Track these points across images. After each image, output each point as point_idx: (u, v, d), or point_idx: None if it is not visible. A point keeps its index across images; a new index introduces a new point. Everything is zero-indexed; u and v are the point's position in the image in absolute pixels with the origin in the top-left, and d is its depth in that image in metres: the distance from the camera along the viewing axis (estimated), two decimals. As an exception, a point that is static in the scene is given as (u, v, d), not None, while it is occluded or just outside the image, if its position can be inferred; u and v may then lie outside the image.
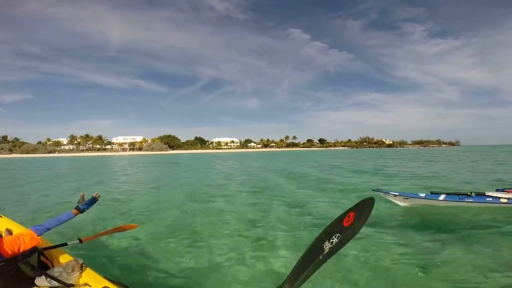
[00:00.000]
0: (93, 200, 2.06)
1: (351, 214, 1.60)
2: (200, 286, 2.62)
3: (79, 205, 2.00)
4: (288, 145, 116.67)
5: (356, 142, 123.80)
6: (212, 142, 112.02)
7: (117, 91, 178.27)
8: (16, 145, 78.38)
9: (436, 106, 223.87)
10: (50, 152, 77.80)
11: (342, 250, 1.82)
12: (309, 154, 51.06)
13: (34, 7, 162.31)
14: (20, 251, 1.61)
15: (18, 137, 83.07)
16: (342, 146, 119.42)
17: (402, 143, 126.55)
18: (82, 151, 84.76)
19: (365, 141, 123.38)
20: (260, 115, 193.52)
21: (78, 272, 1.69)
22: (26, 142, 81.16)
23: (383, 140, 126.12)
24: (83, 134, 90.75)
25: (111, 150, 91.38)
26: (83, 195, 2.06)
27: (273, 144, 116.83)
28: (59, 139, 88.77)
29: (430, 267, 2.88)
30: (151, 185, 10.24)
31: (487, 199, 5.03)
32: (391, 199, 5.55)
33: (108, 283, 1.64)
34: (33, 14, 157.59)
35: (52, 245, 1.97)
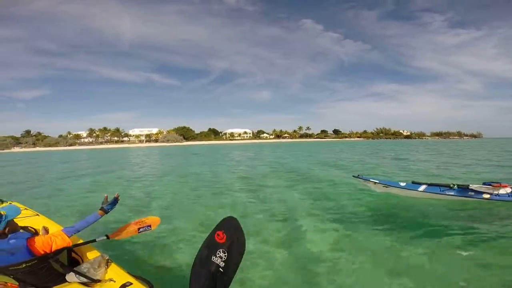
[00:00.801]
0: (115, 201, 2.20)
1: (219, 232, 1.53)
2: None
3: (103, 206, 2.13)
4: (301, 136, 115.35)
5: (372, 133, 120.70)
6: (225, 133, 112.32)
7: (132, 85, 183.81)
8: (39, 138, 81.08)
9: (456, 97, 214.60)
10: (71, 145, 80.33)
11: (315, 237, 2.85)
12: (325, 145, 50.72)
13: (46, 4, 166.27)
14: (52, 251, 1.72)
15: (41, 131, 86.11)
16: (358, 137, 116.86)
17: (420, 135, 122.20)
18: (101, 143, 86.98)
19: (382, 132, 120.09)
20: (272, 107, 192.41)
21: (104, 267, 1.79)
22: (48, 136, 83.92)
23: (401, 131, 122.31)
24: (101, 127, 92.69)
25: (129, 142, 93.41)
26: (107, 196, 2.20)
27: (286, 135, 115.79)
28: (79, 132, 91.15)
29: (390, 261, 2.96)
30: (179, 178, 10.04)
31: (469, 193, 4.84)
32: (370, 186, 5.53)
33: (131, 278, 1.72)
34: (47, 12, 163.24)
35: (82, 241, 2.09)
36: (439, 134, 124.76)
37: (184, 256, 3.14)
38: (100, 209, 2.13)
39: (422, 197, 5.14)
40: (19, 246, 1.65)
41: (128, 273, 1.81)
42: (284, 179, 8.76)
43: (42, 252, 1.69)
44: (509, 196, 4.61)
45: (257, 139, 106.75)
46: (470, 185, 4.95)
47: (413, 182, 5.37)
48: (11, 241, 1.67)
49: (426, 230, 3.78)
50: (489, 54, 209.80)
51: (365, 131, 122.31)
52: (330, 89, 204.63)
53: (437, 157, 17.32)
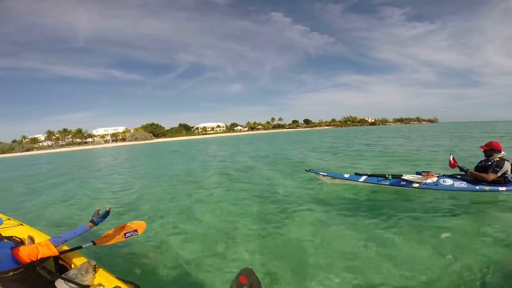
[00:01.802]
0: (107, 214, 2.30)
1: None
2: (212, 284, 2.66)
3: (94, 218, 2.23)
4: (274, 127, 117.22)
5: (340, 121, 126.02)
6: (197, 128, 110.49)
7: (91, 83, 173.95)
8: None
9: (413, 86, 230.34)
10: (27, 150, 73.74)
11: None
12: (300, 134, 51.28)
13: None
14: (37, 259, 1.72)
15: None
16: (327, 125, 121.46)
17: (383, 121, 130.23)
18: (62, 146, 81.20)
19: (349, 120, 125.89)
20: (244, 99, 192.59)
21: (92, 273, 1.80)
22: (0, 142, 76.75)
23: (366, 118, 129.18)
24: (60, 129, 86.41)
25: (93, 143, 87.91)
26: (99, 210, 2.31)
27: (259, 127, 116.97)
28: (36, 136, 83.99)
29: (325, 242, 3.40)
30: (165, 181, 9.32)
31: (402, 182, 5.28)
32: (320, 178, 6.07)
33: (120, 283, 1.75)
34: None
35: (68, 248, 2.12)
36: (400, 120, 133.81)
37: (172, 258, 3.17)
38: (90, 221, 2.18)
39: (363, 186, 5.61)
40: (3, 255, 1.64)
41: (117, 277, 1.83)
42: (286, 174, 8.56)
43: (28, 261, 1.68)
44: (434, 184, 5.02)
45: (231, 132, 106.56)
46: (404, 175, 5.33)
47: (355, 174, 5.77)
48: None
49: (357, 213, 4.43)
50: (441, 46, 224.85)
51: (333, 120, 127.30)
52: (298, 80, 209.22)
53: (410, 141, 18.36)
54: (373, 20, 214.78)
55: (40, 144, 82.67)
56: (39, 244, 1.82)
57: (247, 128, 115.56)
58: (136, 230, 2.40)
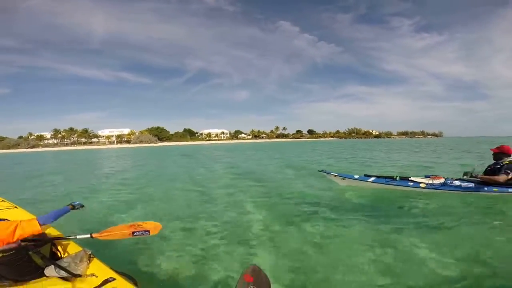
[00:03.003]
0: (81, 206, 2.30)
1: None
2: (207, 280, 2.61)
3: (73, 202, 2.26)
4: (278, 136, 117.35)
5: (344, 133, 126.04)
6: (202, 134, 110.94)
7: (102, 84, 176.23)
8: None
9: (421, 98, 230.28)
10: (33, 146, 74.46)
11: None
12: (306, 145, 50.36)
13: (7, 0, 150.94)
14: (17, 237, 1.65)
15: None
16: (331, 137, 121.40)
17: (388, 134, 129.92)
18: (67, 145, 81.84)
19: (353, 132, 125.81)
20: (248, 107, 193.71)
21: (86, 262, 1.75)
22: (6, 137, 77.16)
23: (370, 131, 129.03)
24: (67, 128, 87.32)
25: (98, 143, 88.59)
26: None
27: (263, 135, 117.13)
28: (42, 133, 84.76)
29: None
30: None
31: (409, 183, 5.39)
32: (332, 179, 6.26)
33: (114, 274, 1.69)
34: (6, 8, 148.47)
35: (62, 236, 2.07)
36: (405, 134, 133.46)
37: (170, 254, 3.11)
38: (70, 204, 2.22)
39: (370, 187, 5.73)
40: None
41: (112, 268, 1.77)
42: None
43: (12, 237, 1.63)
44: (441, 185, 5.11)
45: (234, 140, 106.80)
46: (411, 177, 5.51)
47: (365, 175, 5.96)
48: None
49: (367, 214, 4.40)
50: (450, 58, 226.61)
51: (337, 131, 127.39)
52: (304, 90, 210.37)
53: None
54: (382, 31, 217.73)
55: (46, 141, 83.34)
56: (21, 220, 1.75)
57: (250, 136, 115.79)
58: (148, 231, 2.11)
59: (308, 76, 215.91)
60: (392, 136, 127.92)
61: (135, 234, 2.07)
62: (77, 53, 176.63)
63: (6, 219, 2.16)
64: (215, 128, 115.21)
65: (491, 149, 5.14)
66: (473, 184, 4.95)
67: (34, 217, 2.28)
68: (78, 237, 2.00)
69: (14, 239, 1.64)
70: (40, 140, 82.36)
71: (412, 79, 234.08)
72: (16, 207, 2.76)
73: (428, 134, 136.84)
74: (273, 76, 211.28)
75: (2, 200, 2.94)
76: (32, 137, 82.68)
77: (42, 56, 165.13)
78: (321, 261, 2.91)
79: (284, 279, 2.57)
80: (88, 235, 2.01)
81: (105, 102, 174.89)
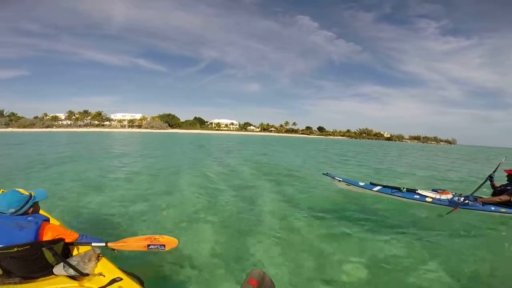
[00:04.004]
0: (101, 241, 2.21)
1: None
2: (212, 281, 2.67)
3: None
4: (287, 131, 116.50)
5: (355, 132, 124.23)
6: (211, 123, 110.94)
7: (117, 69, 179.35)
8: (12, 119, 75.30)
9: (436, 103, 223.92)
10: (47, 126, 75.64)
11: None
12: (318, 142, 50.51)
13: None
14: (51, 240, 1.72)
15: (15, 112, 79.90)
16: (341, 135, 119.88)
17: (400, 137, 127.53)
18: (80, 126, 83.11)
19: (364, 133, 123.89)
20: (260, 100, 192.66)
21: (95, 261, 1.79)
22: (23, 117, 78.41)
23: (382, 132, 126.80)
24: (81, 110, 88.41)
25: (110, 126, 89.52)
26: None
27: (272, 129, 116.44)
28: (57, 114, 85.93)
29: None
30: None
31: (415, 196, 5.29)
32: (336, 183, 6.19)
33: (121, 274, 1.72)
34: None
35: (79, 239, 2.06)
36: (417, 138, 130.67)
37: (177, 256, 3.13)
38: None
39: (375, 196, 5.67)
40: (32, 223, 1.67)
41: (119, 268, 1.80)
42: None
43: (46, 238, 1.70)
44: (448, 201, 4.99)
45: (243, 131, 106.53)
46: (418, 190, 5.39)
47: (370, 183, 5.89)
48: (29, 218, 1.72)
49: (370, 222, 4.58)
50: (474, 63, 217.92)
51: (348, 130, 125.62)
52: (317, 86, 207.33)
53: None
54: (405, 32, 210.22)
55: (60, 122, 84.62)
56: (65, 229, 1.84)
57: (259, 129, 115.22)
58: (163, 245, 2.11)
59: (322, 72, 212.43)
60: (404, 140, 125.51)
61: (150, 247, 2.08)
62: (95, 38, 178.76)
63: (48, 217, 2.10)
64: (224, 119, 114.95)
65: (505, 170, 5.00)
66: (480, 204, 4.82)
67: (55, 220, 2.48)
68: (93, 244, 2.01)
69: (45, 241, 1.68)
70: (55, 121, 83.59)
71: (430, 83, 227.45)
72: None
73: (441, 141, 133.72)
74: (286, 70, 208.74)
75: None
76: (47, 117, 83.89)
77: (61, 40, 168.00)
78: (327, 264, 3.07)
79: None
80: (104, 244, 2.02)
81: (118, 87, 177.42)
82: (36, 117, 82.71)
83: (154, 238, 2.15)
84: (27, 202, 1.81)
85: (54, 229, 1.76)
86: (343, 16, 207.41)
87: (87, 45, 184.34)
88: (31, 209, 1.85)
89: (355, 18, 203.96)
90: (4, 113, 77.80)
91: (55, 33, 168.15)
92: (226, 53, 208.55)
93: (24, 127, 70.91)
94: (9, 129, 65.90)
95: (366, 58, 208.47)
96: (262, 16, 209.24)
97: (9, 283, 1.59)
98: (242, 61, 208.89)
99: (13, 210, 1.72)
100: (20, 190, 1.85)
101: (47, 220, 1.81)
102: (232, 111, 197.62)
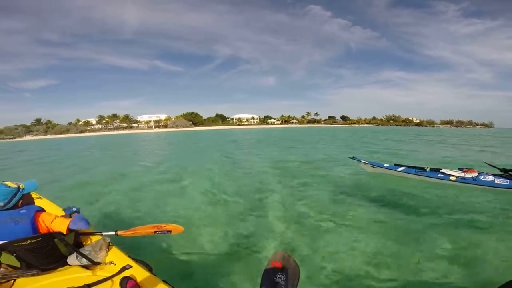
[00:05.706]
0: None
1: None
2: (224, 270, 2.69)
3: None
4: (309, 122, 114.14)
5: (381, 119, 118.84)
6: (233, 119, 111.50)
7: (137, 72, 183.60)
8: (49, 126, 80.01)
9: (466, 86, 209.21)
10: (81, 131, 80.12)
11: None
12: (344, 131, 49.88)
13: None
14: (52, 230, 1.75)
15: (50, 120, 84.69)
16: (367, 123, 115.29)
17: (430, 123, 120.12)
18: (110, 129, 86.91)
19: (392, 119, 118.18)
20: (277, 93, 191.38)
21: (105, 250, 1.81)
22: (58, 124, 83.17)
23: (410, 118, 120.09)
24: (110, 114, 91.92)
25: (138, 128, 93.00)
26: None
27: (294, 121, 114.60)
28: (88, 119, 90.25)
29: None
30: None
31: (439, 175, 5.19)
32: (361, 166, 6.55)
33: (131, 262, 1.74)
34: (49, 3, 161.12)
35: (89, 231, 2.11)
36: (450, 122, 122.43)
37: (185, 243, 3.20)
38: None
39: (399, 176, 5.78)
40: (25, 216, 1.68)
41: (129, 256, 1.83)
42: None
43: (43, 228, 1.73)
44: (473, 179, 4.77)
45: (264, 125, 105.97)
46: (442, 169, 5.33)
47: (395, 164, 6.03)
48: (22, 211, 1.72)
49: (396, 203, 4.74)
50: (504, 44, 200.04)
51: (374, 118, 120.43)
52: (336, 75, 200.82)
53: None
54: (424, 15, 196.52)
55: (92, 127, 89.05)
56: (57, 216, 1.83)
57: (280, 122, 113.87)
58: (169, 231, 2.16)
59: (340, 61, 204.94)
60: (435, 125, 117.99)
61: (157, 232, 2.15)
62: (112, 43, 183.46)
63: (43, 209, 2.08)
64: (245, 113, 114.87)
65: None
66: (507, 181, 4.53)
67: (59, 209, 2.48)
68: (104, 233, 2.07)
69: (54, 232, 1.74)
70: (87, 126, 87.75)
71: (457, 66, 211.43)
72: (40, 197, 2.83)
73: (477, 124, 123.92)
74: (302, 62, 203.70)
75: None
76: (80, 123, 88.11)
77: (80, 48, 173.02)
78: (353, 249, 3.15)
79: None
80: (113, 232, 2.07)
81: (142, 89, 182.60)
82: (70, 123, 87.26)
83: (161, 226, 2.21)
84: (15, 194, 1.79)
85: (47, 218, 1.76)
86: (357, 3, 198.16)
87: (105, 51, 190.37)
88: (20, 201, 1.83)
89: (370, 4, 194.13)
90: (42, 121, 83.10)
91: (74, 41, 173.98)
92: (239, 48, 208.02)
93: (61, 133, 75.40)
94: (48, 136, 70.40)
95: (386, 44, 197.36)
96: (273, 9, 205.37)
97: (28, 275, 1.62)
98: (256, 55, 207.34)
99: (1, 204, 1.71)
100: (7, 182, 1.83)
101: (40, 210, 1.82)
102: (250, 105, 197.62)
